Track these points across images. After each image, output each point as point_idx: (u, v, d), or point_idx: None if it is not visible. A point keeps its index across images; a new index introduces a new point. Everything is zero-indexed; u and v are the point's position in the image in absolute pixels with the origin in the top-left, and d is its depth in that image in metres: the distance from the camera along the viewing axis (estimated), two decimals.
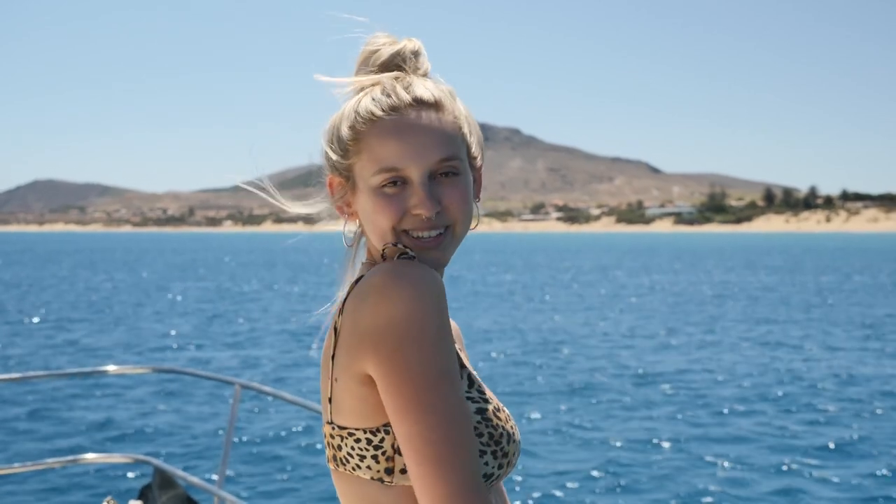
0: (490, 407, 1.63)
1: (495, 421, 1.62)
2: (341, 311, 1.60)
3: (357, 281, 1.60)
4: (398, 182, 1.60)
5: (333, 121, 1.68)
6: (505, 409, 1.69)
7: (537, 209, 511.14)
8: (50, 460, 6.04)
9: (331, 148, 1.67)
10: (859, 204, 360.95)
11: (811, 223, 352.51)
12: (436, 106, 1.64)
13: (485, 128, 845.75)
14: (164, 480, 6.00)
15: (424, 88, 1.65)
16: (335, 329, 1.60)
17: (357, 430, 1.57)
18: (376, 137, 1.60)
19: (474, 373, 1.69)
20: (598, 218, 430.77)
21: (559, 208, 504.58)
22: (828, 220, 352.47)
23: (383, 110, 1.60)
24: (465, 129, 1.70)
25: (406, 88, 1.63)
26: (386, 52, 1.69)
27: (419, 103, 1.62)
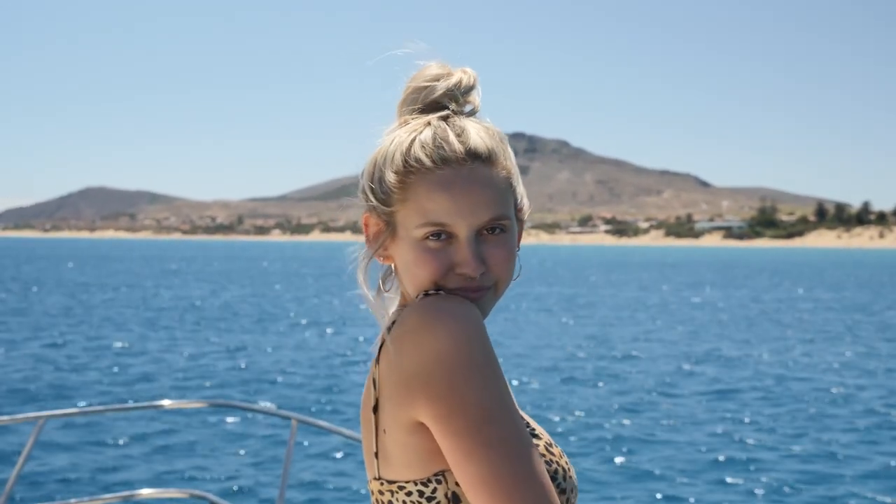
0: (542, 443, 1.57)
1: (548, 457, 1.55)
2: (377, 360, 1.54)
3: (390, 328, 1.54)
4: (443, 236, 1.54)
5: (376, 160, 1.60)
6: (557, 445, 1.63)
7: (585, 222, 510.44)
8: (106, 496, 5.87)
9: (372, 191, 1.59)
10: None
11: (864, 239, 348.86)
12: (489, 159, 1.56)
13: (533, 140, 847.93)
14: None
15: (479, 138, 1.56)
16: (373, 381, 1.54)
17: (407, 482, 1.49)
18: (425, 189, 1.53)
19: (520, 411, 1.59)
20: (646, 231, 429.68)
21: (607, 221, 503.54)
22: (881, 235, 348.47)
23: (434, 162, 1.53)
24: (514, 181, 1.63)
25: (459, 137, 1.55)
26: (440, 89, 1.60)
27: (472, 157, 1.54)
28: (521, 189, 1.65)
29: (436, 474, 1.48)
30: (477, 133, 1.56)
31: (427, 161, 1.52)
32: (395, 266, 1.64)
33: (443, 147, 1.53)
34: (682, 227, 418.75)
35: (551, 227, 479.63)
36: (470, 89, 1.62)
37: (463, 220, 1.52)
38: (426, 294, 1.55)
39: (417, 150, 1.53)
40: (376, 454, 1.54)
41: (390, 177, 1.55)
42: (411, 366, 1.43)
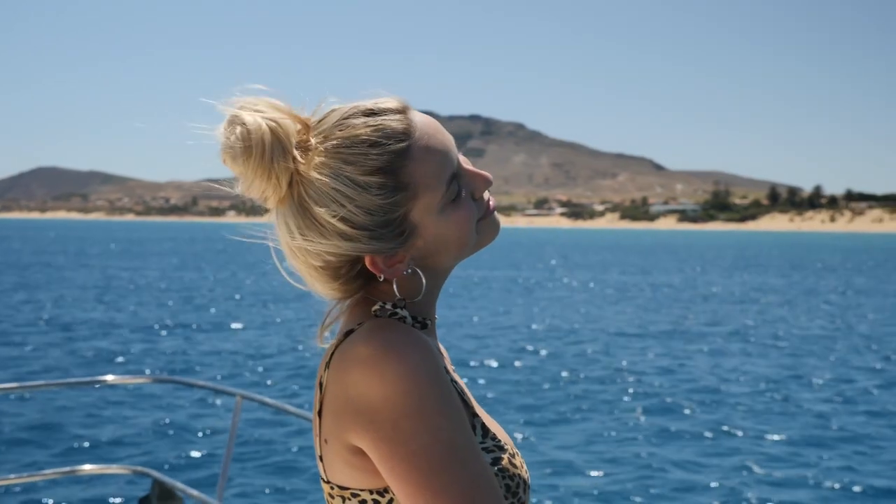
0: (505, 456, 1.47)
1: (511, 470, 1.46)
2: (327, 364, 1.43)
3: (348, 333, 1.44)
4: (456, 184, 1.46)
5: (343, 231, 1.43)
6: (517, 451, 1.54)
7: (541, 204, 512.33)
8: (47, 471, 5.90)
9: (377, 224, 1.43)
10: (864, 204, 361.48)
11: (815, 223, 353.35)
12: (406, 103, 1.49)
13: (489, 122, 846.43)
14: (163, 492, 5.86)
15: (388, 101, 1.47)
16: (320, 384, 1.44)
17: (361, 490, 1.41)
18: (421, 164, 1.43)
19: (486, 418, 1.53)
20: (602, 214, 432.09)
21: (563, 204, 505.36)
22: (832, 219, 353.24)
23: (403, 140, 1.42)
24: None
25: (382, 112, 1.45)
26: (290, 137, 1.44)
27: (404, 112, 1.46)
28: None
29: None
30: (380, 99, 1.48)
31: (399, 144, 1.42)
32: (409, 265, 1.49)
33: (392, 127, 1.44)
34: (638, 211, 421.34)
35: (507, 210, 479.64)
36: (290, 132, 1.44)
37: (455, 154, 1.49)
38: (376, 314, 1.47)
39: (378, 149, 1.42)
40: (320, 458, 1.45)
41: (377, 195, 1.41)
42: (357, 399, 1.34)
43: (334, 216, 1.41)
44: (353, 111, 1.44)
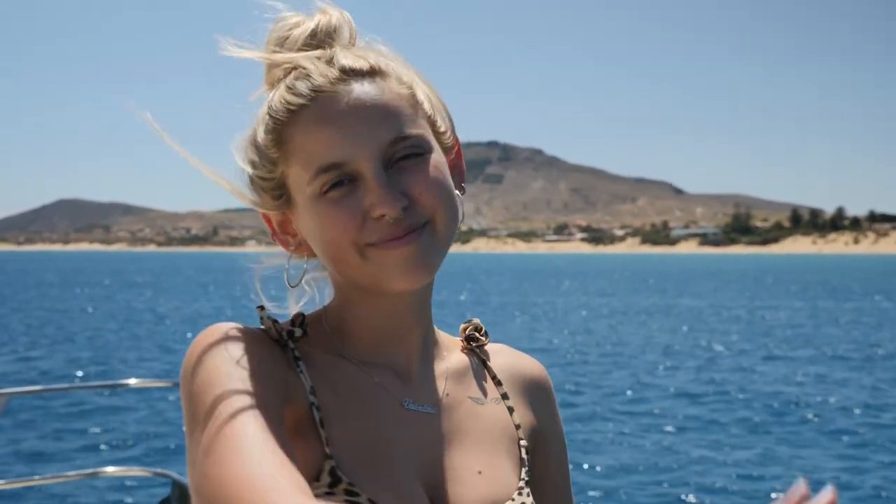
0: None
1: None
2: None
3: None
4: (345, 181, 1.21)
5: (247, 133, 1.30)
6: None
7: (560, 230, 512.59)
8: (70, 473, 5.91)
9: (252, 164, 1.28)
10: (887, 225, 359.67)
11: (839, 245, 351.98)
12: (373, 73, 1.26)
13: (507, 148, 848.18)
14: (183, 494, 5.85)
15: (353, 56, 1.26)
16: None
17: None
18: (302, 132, 1.22)
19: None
20: (622, 239, 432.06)
21: (583, 229, 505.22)
22: (856, 241, 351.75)
23: (303, 95, 1.22)
24: (422, 97, 1.30)
25: (329, 62, 1.25)
26: (300, 37, 1.28)
27: (350, 74, 1.24)
28: (438, 112, 1.33)
29: None
30: (351, 52, 1.28)
31: (295, 99, 1.23)
32: (296, 243, 1.34)
33: (310, 76, 1.24)
34: (658, 235, 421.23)
35: (527, 236, 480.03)
36: (336, 29, 1.30)
37: (358, 150, 1.21)
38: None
39: (283, 93, 1.25)
40: None
41: (262, 137, 1.26)
42: None
43: (246, 139, 1.31)
44: (329, 49, 1.30)
